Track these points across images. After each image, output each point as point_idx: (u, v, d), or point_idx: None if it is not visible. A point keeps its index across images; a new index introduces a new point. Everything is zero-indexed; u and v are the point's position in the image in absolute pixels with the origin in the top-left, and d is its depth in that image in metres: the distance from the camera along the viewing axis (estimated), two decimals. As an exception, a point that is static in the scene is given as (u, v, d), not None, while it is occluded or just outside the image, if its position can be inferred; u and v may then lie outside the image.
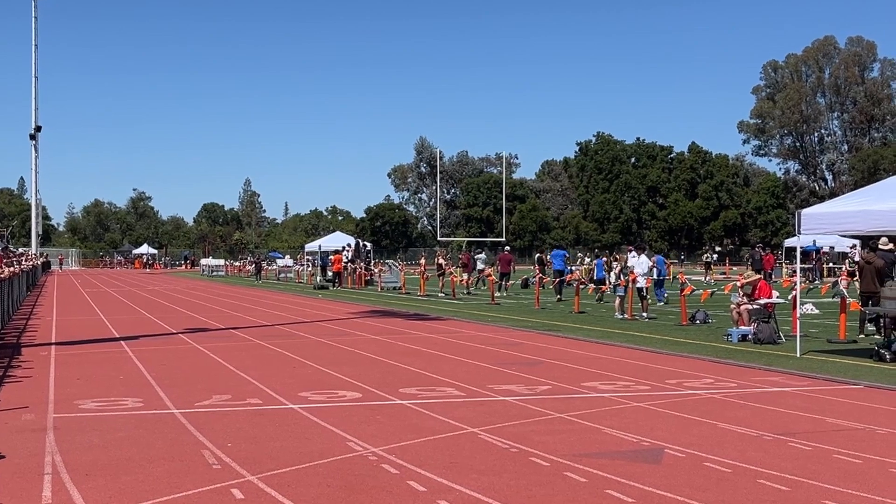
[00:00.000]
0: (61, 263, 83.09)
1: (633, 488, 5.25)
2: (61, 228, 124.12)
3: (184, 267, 71.67)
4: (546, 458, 6.03)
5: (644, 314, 18.43)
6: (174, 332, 16.16)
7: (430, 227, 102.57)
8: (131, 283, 43.61)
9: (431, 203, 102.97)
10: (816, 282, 31.35)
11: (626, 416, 7.66)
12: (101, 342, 14.30)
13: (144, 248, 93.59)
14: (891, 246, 14.64)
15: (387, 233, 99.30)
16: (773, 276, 31.62)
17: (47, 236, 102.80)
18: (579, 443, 6.53)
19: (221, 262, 66.06)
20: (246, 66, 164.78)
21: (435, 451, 6.25)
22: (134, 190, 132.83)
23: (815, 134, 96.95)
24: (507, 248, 32.93)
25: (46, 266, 63.86)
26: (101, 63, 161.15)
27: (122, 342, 14.14)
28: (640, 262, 19.16)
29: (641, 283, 18.85)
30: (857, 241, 17.45)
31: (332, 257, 37.34)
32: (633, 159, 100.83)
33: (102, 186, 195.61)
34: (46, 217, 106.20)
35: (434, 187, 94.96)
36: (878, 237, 14.22)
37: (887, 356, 11.15)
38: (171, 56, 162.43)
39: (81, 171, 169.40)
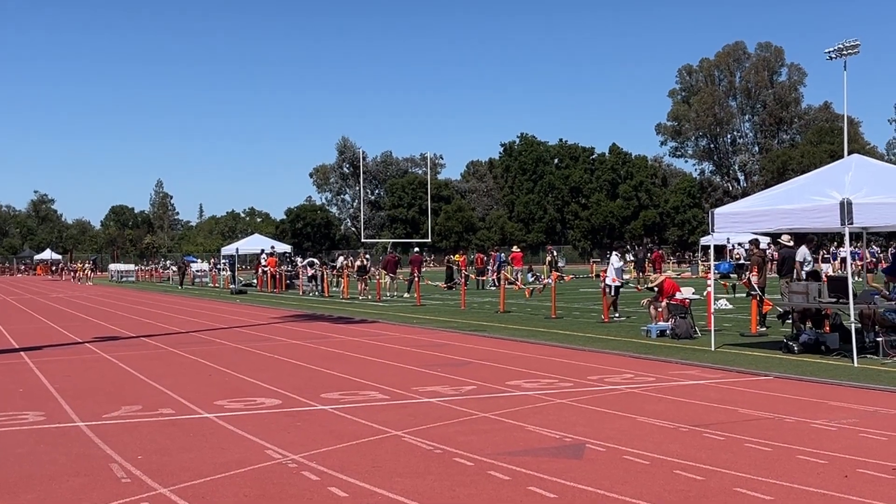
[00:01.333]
0: None
1: (555, 484, 5.27)
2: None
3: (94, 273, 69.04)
4: (470, 457, 5.99)
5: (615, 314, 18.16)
6: (80, 341, 15.44)
7: (353, 229, 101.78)
8: (33, 291, 41.65)
9: (355, 204, 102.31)
10: (733, 276, 32.62)
11: (550, 413, 7.70)
12: None
13: (47, 254, 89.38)
14: (792, 242, 15.40)
15: (308, 235, 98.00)
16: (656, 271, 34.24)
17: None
18: (503, 441, 6.53)
19: (132, 266, 63.79)
20: (156, 60, 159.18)
21: (357, 455, 6.13)
22: (35, 192, 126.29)
23: (728, 136, 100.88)
24: (417, 249, 34.36)
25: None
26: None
27: (23, 353, 13.42)
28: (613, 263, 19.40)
29: (611, 282, 18.89)
30: (755, 238, 18.33)
31: (266, 260, 37.20)
32: (556, 160, 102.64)
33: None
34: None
35: (357, 188, 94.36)
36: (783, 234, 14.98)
37: (795, 348, 11.60)
38: (73, 46, 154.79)
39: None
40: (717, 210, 12.53)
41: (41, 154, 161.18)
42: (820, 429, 6.91)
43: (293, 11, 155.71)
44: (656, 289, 15.03)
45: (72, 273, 63.23)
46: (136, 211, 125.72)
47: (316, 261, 36.93)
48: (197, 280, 48.02)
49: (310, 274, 33.84)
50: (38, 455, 6.28)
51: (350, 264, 33.58)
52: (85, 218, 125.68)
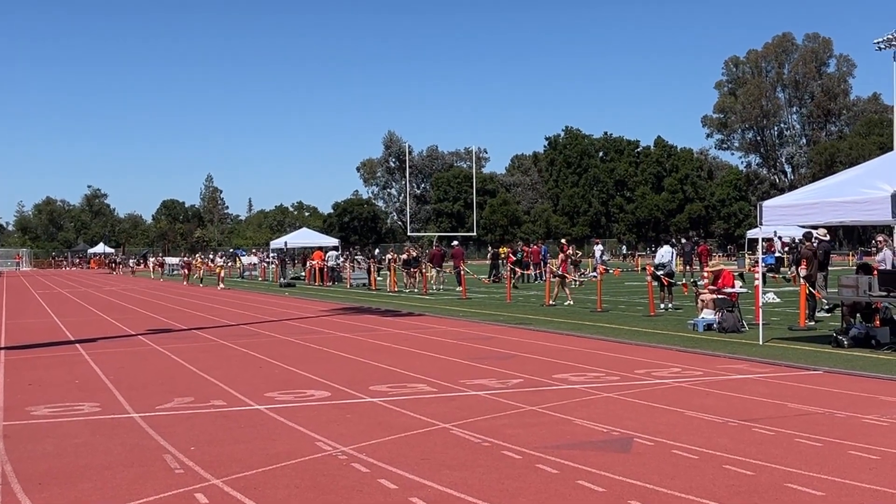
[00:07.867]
0: (19, 263, 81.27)
1: (603, 477, 5.27)
2: (10, 228, 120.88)
3: (142, 266, 70.40)
4: (518, 450, 6.02)
5: (661, 305, 18.37)
6: (133, 333, 15.79)
7: (400, 223, 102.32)
8: (87, 284, 42.76)
9: (401, 198, 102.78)
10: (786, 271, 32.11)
11: (597, 406, 7.69)
12: (55, 345, 13.84)
13: (100, 248, 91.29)
14: (829, 235, 15.34)
15: (355, 228, 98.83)
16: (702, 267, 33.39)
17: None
18: (551, 435, 6.54)
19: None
20: (206, 58, 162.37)
21: (406, 447, 6.19)
22: (88, 187, 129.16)
23: (775, 128, 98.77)
24: (456, 243, 34.35)
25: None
26: (51, 54, 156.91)
27: (78, 345, 13.76)
28: (662, 254, 19.45)
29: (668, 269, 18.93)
30: (808, 231, 18.11)
31: (312, 254, 38.74)
32: (601, 153, 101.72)
33: (54, 183, 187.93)
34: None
35: (403, 182, 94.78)
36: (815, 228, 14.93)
37: (845, 342, 11.36)
38: (127, 47, 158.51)
39: (31, 167, 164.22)
40: (766, 203, 12.33)
41: (94, 150, 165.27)
42: (872, 424, 6.78)
43: (339, 8, 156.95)
44: (709, 276, 14.84)
45: (186, 269, 44.17)
46: (186, 205, 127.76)
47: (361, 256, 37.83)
48: (246, 273, 48.87)
49: (361, 267, 34.53)
50: (94, 445, 6.43)
51: (396, 258, 33.87)
52: (137, 212, 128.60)
